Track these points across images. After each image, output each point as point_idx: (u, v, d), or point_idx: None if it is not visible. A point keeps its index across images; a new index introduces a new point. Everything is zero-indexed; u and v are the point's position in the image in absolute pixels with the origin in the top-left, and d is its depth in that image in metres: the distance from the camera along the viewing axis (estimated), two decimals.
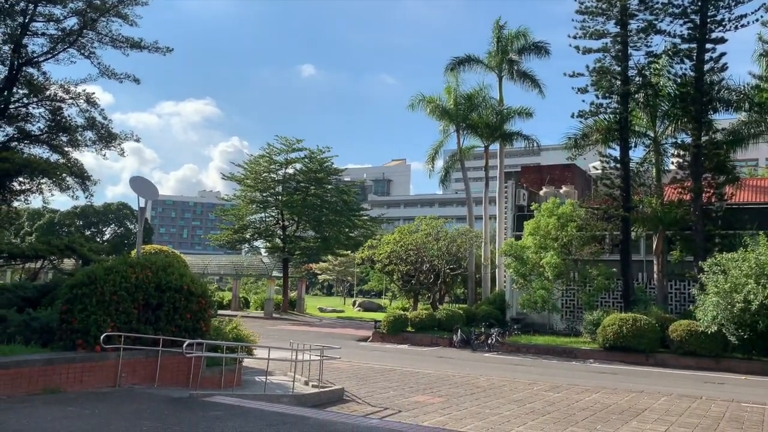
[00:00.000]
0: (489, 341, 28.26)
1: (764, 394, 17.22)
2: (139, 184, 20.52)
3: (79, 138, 24.68)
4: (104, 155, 26.04)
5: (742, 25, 28.42)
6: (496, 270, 39.59)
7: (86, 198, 25.92)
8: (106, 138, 24.93)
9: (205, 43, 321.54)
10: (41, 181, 23.38)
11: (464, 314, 33.06)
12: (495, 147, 42.56)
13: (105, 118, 25.57)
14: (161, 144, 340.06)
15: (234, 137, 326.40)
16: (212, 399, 9.98)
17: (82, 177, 24.92)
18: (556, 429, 11.19)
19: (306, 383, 14.08)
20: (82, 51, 24.41)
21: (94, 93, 25.56)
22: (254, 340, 14.67)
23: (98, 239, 61.42)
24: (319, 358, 14.08)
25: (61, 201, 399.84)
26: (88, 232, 60.73)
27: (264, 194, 51.37)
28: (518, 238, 33.45)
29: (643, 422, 12.01)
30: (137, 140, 26.36)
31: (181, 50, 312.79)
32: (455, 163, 44.74)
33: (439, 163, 46.54)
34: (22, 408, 8.38)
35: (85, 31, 23.59)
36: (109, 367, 10.73)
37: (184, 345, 10.62)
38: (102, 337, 10.55)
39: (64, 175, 23.29)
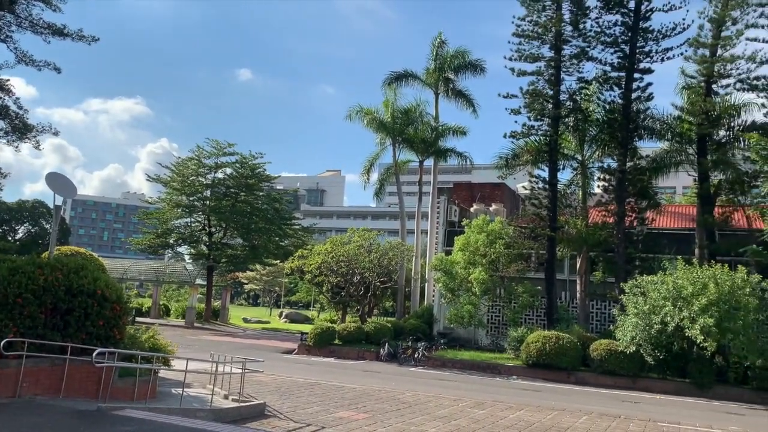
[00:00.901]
0: (416, 355, 28.17)
1: (678, 413, 17.76)
2: (56, 180, 19.33)
3: None
4: (16, 147, 24.45)
5: (668, 57, 29.79)
6: (426, 284, 39.72)
7: None
8: (21, 129, 23.36)
9: (139, 40, 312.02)
10: None
11: (392, 327, 32.91)
12: (429, 163, 42.90)
13: (20, 107, 24.04)
14: (86, 142, 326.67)
15: (163, 138, 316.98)
16: (123, 413, 9.31)
17: None
18: None
19: (226, 397, 13.46)
20: None
21: (8, 80, 24.04)
22: (172, 351, 13.92)
23: (9, 238, 57.90)
24: (240, 370, 13.48)
25: None
26: None
27: (191, 198, 49.75)
28: (448, 253, 33.66)
29: None
30: (55, 133, 24.86)
31: (114, 46, 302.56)
32: (390, 176, 44.80)
33: (375, 176, 46.52)
34: None
35: (2, 12, 22.10)
36: (8, 376, 9.85)
37: (94, 354, 9.86)
38: (2, 343, 9.68)
39: None
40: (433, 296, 37.02)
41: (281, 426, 11.73)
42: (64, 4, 23.64)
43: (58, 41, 24.05)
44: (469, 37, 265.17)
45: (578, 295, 31.11)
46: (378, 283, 36.53)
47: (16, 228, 60.03)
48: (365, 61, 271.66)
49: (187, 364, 12.07)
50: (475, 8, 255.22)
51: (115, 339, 11.53)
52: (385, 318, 41.61)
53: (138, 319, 44.24)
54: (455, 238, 32.79)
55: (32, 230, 60.16)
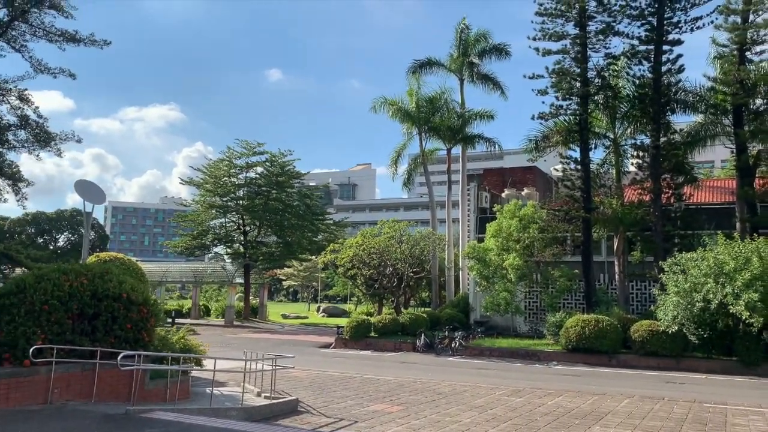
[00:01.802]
0: (452, 345, 27.91)
1: (725, 393, 17.16)
2: (85, 187, 19.65)
3: (11, 137, 23.41)
4: (37, 156, 24.79)
5: (698, 27, 28.77)
6: (460, 273, 39.38)
7: (18, 201, 24.63)
8: (42, 138, 23.72)
9: (171, 47, 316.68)
10: None
11: (428, 318, 32.69)
12: (457, 150, 42.43)
13: (40, 116, 24.31)
14: (124, 150, 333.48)
15: (198, 142, 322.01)
16: (151, 415, 9.31)
17: (13, 179, 23.67)
18: None
19: (258, 394, 13.44)
20: (13, 44, 23.20)
21: (26, 89, 24.33)
22: (203, 351, 13.96)
23: (51, 246, 59.40)
24: (271, 367, 13.43)
25: (11, 208, 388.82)
26: (40, 240, 58.65)
27: (224, 199, 50.27)
28: (481, 240, 33.26)
29: (606, 427, 11.70)
30: (78, 141, 25.12)
31: (146, 55, 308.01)
32: (418, 166, 44.47)
33: (403, 167, 46.22)
34: None
35: (15, 22, 22.40)
36: (39, 383, 9.95)
37: (119, 357, 9.89)
38: (31, 350, 9.78)
39: None
40: (468, 285, 36.67)
41: (313, 422, 11.64)
42: (75, 10, 23.90)
43: (73, 48, 24.27)
44: (494, 21, 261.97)
45: (617, 276, 30.40)
46: (411, 274, 36.32)
47: (57, 237, 61.54)
48: (391, 52, 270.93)
49: (215, 363, 12.07)
50: None
51: (144, 341, 11.57)
52: (421, 308, 41.36)
53: (178, 320, 44.93)
54: (487, 224, 32.39)
55: (72, 238, 61.61)
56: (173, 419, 8.91)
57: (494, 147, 41.78)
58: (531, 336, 30.70)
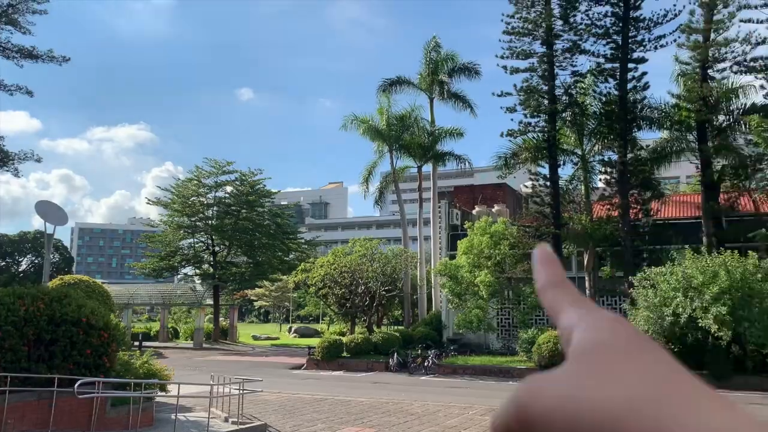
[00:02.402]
0: (426, 364, 27.66)
1: None
2: (47, 208, 19.11)
3: None
4: None
5: (661, 45, 29.35)
6: (432, 290, 39.22)
7: None
8: None
9: (140, 66, 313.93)
10: None
11: (401, 336, 32.43)
12: (428, 168, 42.47)
13: None
14: (92, 170, 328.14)
15: (168, 162, 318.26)
16: None
17: None
18: None
19: (226, 419, 13.03)
20: None
21: None
22: (168, 375, 13.52)
23: (13, 270, 57.75)
24: (238, 391, 13.04)
25: None
26: (2, 263, 57.04)
27: (192, 219, 49.46)
28: (452, 257, 33.21)
29: None
30: (38, 160, 24.57)
31: (115, 73, 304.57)
32: (389, 184, 44.38)
33: (375, 185, 46.05)
34: None
35: None
36: None
37: (76, 384, 9.46)
38: None
39: None
40: (441, 302, 36.52)
41: None
42: (33, 26, 23.49)
43: (31, 64, 23.70)
44: (463, 41, 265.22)
45: (587, 291, 30.50)
46: (383, 292, 36.05)
47: (19, 260, 59.88)
48: (361, 71, 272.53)
49: (179, 389, 11.65)
50: (467, 11, 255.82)
51: (105, 367, 11.14)
52: (394, 327, 41.11)
53: (146, 343, 43.80)
54: (458, 241, 32.36)
55: (35, 261, 60.08)
56: None
57: (464, 164, 41.94)
58: (504, 353, 30.62)
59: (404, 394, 19.73)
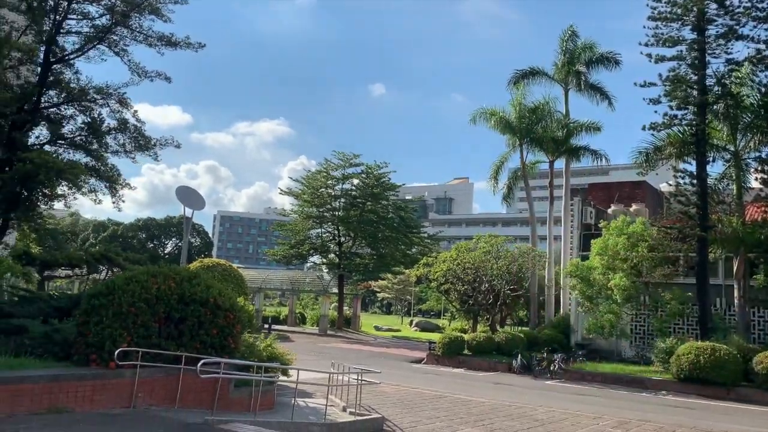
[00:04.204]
0: (551, 367, 26.43)
1: None
2: (186, 194, 20.07)
3: (111, 141, 24.43)
4: (133, 159, 25.66)
5: None
6: (561, 292, 37.53)
7: (113, 203, 25.61)
8: (141, 142, 24.58)
9: (279, 64, 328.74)
10: (60, 183, 22.96)
11: (525, 338, 31.23)
12: (560, 164, 40.64)
13: (139, 120, 25.24)
14: (235, 162, 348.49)
15: (302, 156, 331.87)
16: (229, 426, 8.95)
17: (110, 180, 24.60)
18: None
19: (344, 409, 12.92)
20: (113, 48, 24.25)
21: (125, 93, 25.31)
22: (290, 360, 13.65)
23: (160, 252, 62.44)
24: (360, 381, 12.87)
25: (127, 214, 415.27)
26: (150, 245, 61.86)
27: (320, 209, 50.91)
28: (584, 258, 31.47)
29: None
30: (177, 146, 25.87)
31: (257, 71, 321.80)
32: (518, 179, 42.93)
33: (503, 181, 44.75)
34: (14, 429, 7.55)
35: (117, 27, 23.41)
36: (123, 386, 9.87)
37: (199, 364, 9.61)
38: (117, 353, 9.72)
39: (83, 176, 22.89)
40: (570, 305, 34.80)
41: None
42: (173, 14, 24.79)
43: (171, 52, 24.96)
44: (597, 35, 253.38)
45: (736, 301, 27.72)
46: (508, 291, 34.87)
47: (165, 242, 64.63)
48: (493, 66, 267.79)
49: (298, 375, 11.62)
50: (603, 6, 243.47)
51: (230, 348, 11.33)
52: (519, 328, 39.76)
53: (275, 326, 45.65)
54: (592, 241, 30.58)
55: (179, 244, 64.39)
56: None
57: (600, 160, 39.66)
58: (637, 362, 28.54)
59: (528, 398, 18.82)
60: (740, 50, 61.13)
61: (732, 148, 29.33)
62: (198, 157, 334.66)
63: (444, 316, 72.77)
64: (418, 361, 30.35)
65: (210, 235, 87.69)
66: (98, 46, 24.59)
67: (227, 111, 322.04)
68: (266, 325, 42.76)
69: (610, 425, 14.41)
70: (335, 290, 53.49)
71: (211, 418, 9.40)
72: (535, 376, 26.13)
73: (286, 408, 12.20)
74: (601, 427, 14.14)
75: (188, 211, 19.54)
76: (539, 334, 32.45)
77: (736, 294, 27.71)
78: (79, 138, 24.40)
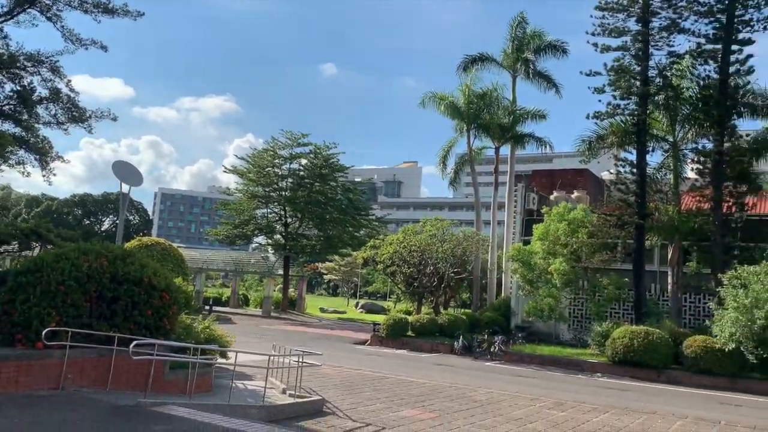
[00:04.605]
0: (492, 349, 26.92)
1: None
2: (123, 169, 19.34)
3: (42, 111, 23.32)
4: (65, 130, 24.52)
5: None
6: (503, 276, 38.20)
7: (44, 176, 24.55)
8: (74, 113, 23.54)
9: (229, 39, 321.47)
10: None
11: (468, 320, 31.73)
12: (506, 151, 41.18)
13: (72, 90, 24.16)
14: (179, 139, 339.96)
15: (249, 134, 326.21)
16: (162, 409, 8.68)
17: (40, 152, 23.55)
18: None
19: (284, 391, 12.77)
20: (46, 12, 23.04)
21: (58, 61, 24.07)
22: (229, 342, 13.38)
23: (96, 228, 60.43)
24: (301, 363, 12.73)
25: (64, 189, 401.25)
26: (87, 222, 59.74)
27: (266, 189, 50.17)
28: (526, 243, 32.05)
29: None
30: (114, 119, 24.87)
31: (205, 46, 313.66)
32: (465, 165, 43.32)
33: (451, 165, 45.04)
34: None
35: None
36: (51, 367, 9.44)
37: (131, 345, 9.28)
38: (45, 332, 9.28)
39: (11, 148, 21.82)
40: (511, 288, 35.47)
41: (337, 425, 10.89)
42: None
43: (109, 20, 23.76)
44: (548, 23, 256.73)
45: (669, 287, 28.78)
46: (452, 274, 35.29)
47: (102, 219, 62.56)
48: (445, 50, 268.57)
49: (236, 357, 11.41)
50: None
51: (166, 329, 11.00)
52: (462, 310, 40.33)
53: (216, 308, 44.98)
54: (534, 227, 31.15)
55: (116, 221, 62.53)
56: (185, 415, 8.26)
57: (545, 147, 40.39)
58: (574, 345, 29.35)
59: (467, 379, 19.08)
60: (681, 43, 63.21)
61: (671, 139, 30.29)
62: (140, 131, 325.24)
63: (390, 298, 73.28)
64: (362, 342, 30.42)
65: (150, 213, 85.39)
66: (29, 9, 23.26)
67: (172, 85, 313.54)
68: (207, 307, 42.05)
69: (546, 406, 14.73)
70: (280, 272, 53.01)
71: (144, 401, 9.10)
72: (476, 358, 26.55)
73: (224, 390, 11.96)
74: (537, 408, 14.43)
75: (125, 187, 18.87)
76: (481, 317, 32.98)
77: (669, 280, 28.76)
78: (7, 107, 23.11)
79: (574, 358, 25.70)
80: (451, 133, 43.37)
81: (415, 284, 37.03)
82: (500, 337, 27.92)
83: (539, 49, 39.81)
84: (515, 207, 36.68)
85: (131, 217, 62.31)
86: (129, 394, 9.83)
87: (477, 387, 17.16)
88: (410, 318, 31.45)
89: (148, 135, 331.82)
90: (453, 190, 49.34)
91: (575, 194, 35.80)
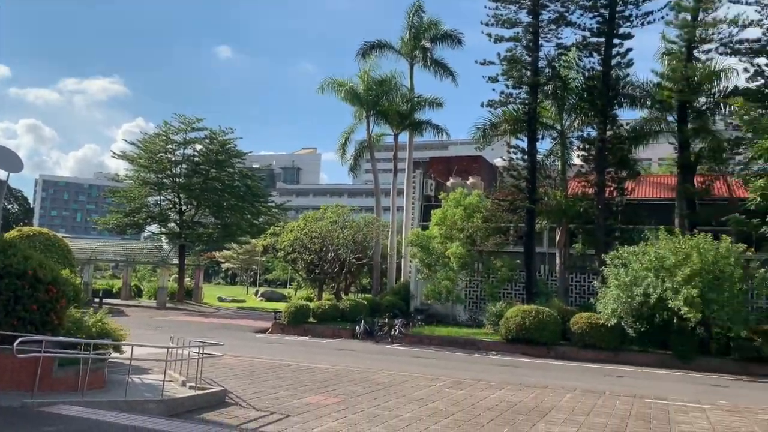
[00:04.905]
0: (392, 332, 27.39)
1: (663, 387, 17.12)
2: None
3: None
4: None
5: (649, 22, 28.86)
6: (402, 260, 38.90)
7: None
8: None
9: (117, 18, 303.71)
10: None
11: (369, 305, 32.08)
12: (404, 138, 41.79)
13: None
14: (62, 122, 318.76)
15: (139, 118, 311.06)
16: (52, 409, 8.20)
17: None
18: None
19: (183, 384, 12.40)
20: None
21: None
22: (123, 335, 12.79)
23: None
24: (201, 354, 12.40)
25: None
26: None
27: (159, 175, 48.05)
28: (425, 228, 32.79)
29: (552, 423, 11.24)
30: None
31: (91, 24, 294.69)
32: (365, 151, 43.56)
33: (351, 152, 45.14)
34: None
35: None
36: None
37: (15, 343, 8.69)
38: None
39: None
40: (410, 272, 36.19)
41: (240, 416, 10.72)
42: None
43: (29, 16, 22.03)
44: (446, 13, 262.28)
45: (558, 268, 30.42)
46: (353, 260, 35.56)
47: None
48: (344, 36, 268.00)
49: (132, 350, 10.97)
50: None
51: (53, 324, 10.37)
52: (362, 295, 40.71)
53: (107, 300, 42.91)
54: (432, 212, 31.90)
55: None
56: (78, 414, 7.85)
57: (442, 134, 41.34)
58: (470, 325, 30.46)
59: (369, 362, 19.33)
60: (569, 36, 66.57)
61: (559, 127, 31.86)
62: (17, 114, 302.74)
63: (291, 285, 72.68)
64: (263, 331, 30.05)
65: (30, 202, 79.84)
66: None
67: (53, 65, 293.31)
68: (96, 299, 40.05)
69: (446, 385, 15.20)
70: (175, 261, 51.18)
71: (31, 401, 8.55)
72: (377, 341, 26.93)
73: (120, 386, 11.46)
74: (438, 387, 14.87)
75: (2, 174, 17.48)
76: (381, 301, 33.45)
77: (557, 261, 30.37)
78: None
79: (471, 338, 26.64)
80: (350, 119, 43.64)
81: (317, 271, 37.00)
82: (400, 320, 28.46)
83: (436, 38, 40.61)
84: (414, 193, 37.38)
85: (10, 206, 57.81)
86: (13, 395, 9.20)
87: (379, 370, 17.42)
88: (312, 304, 31.40)
89: (27, 118, 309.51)
90: (353, 176, 49.41)
91: (470, 180, 36.97)
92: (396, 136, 41.25)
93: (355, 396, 13.09)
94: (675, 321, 22.62)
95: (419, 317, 31.28)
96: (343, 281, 37.96)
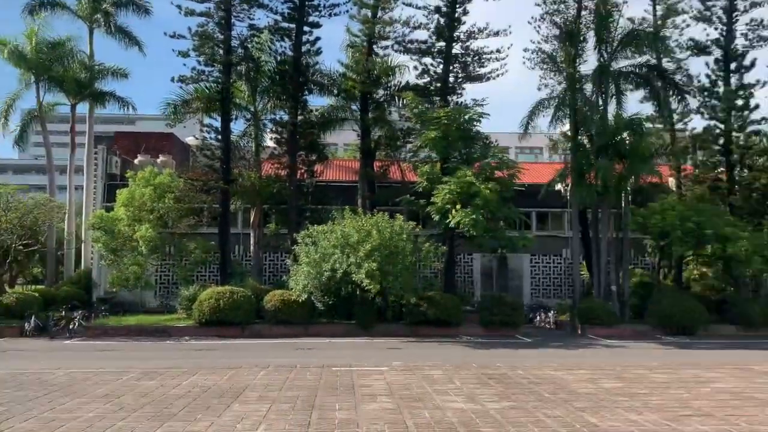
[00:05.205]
0: (71, 326, 24.81)
1: (348, 355, 18.56)
2: None
3: None
4: None
5: (335, 14, 30.82)
6: (83, 246, 35.31)
7: None
8: None
9: None
10: None
11: (41, 297, 28.44)
12: (84, 110, 37.79)
13: None
14: None
15: None
16: None
17: None
18: (152, 427, 9.55)
19: None
20: None
21: None
22: None
23: None
24: None
25: None
26: None
27: None
28: (109, 209, 30.18)
29: (246, 403, 11.25)
30: None
31: None
32: (34, 122, 38.16)
33: (16, 122, 39.07)
34: None
35: None
36: None
37: None
38: None
39: None
40: (92, 259, 33.09)
41: None
42: None
43: None
44: None
45: (252, 248, 30.78)
46: (20, 247, 31.03)
47: None
48: None
49: None
50: None
51: None
52: (34, 287, 35.97)
53: None
54: (117, 192, 29.50)
55: None
56: None
57: (128, 108, 38.33)
58: (162, 312, 29.21)
59: (44, 363, 17.14)
60: (262, 18, 67.25)
61: (252, 109, 32.04)
62: None
63: None
64: None
65: None
66: None
67: None
68: None
69: (134, 377, 14.22)
70: None
71: None
72: (53, 337, 24.12)
73: None
74: (125, 380, 13.83)
75: None
76: (58, 292, 30.01)
77: (252, 241, 30.76)
78: None
79: (162, 325, 25.53)
80: (15, 84, 37.75)
81: None
82: (80, 312, 25.94)
83: (120, 4, 37.40)
84: (96, 171, 34.16)
85: None
86: None
87: (55, 369, 15.53)
88: None
89: None
90: (19, 150, 42.95)
91: (161, 159, 35.11)
92: (74, 106, 37.11)
93: (24, 402, 11.43)
94: (358, 293, 24.74)
95: (103, 307, 28.93)
96: (7, 272, 32.91)
